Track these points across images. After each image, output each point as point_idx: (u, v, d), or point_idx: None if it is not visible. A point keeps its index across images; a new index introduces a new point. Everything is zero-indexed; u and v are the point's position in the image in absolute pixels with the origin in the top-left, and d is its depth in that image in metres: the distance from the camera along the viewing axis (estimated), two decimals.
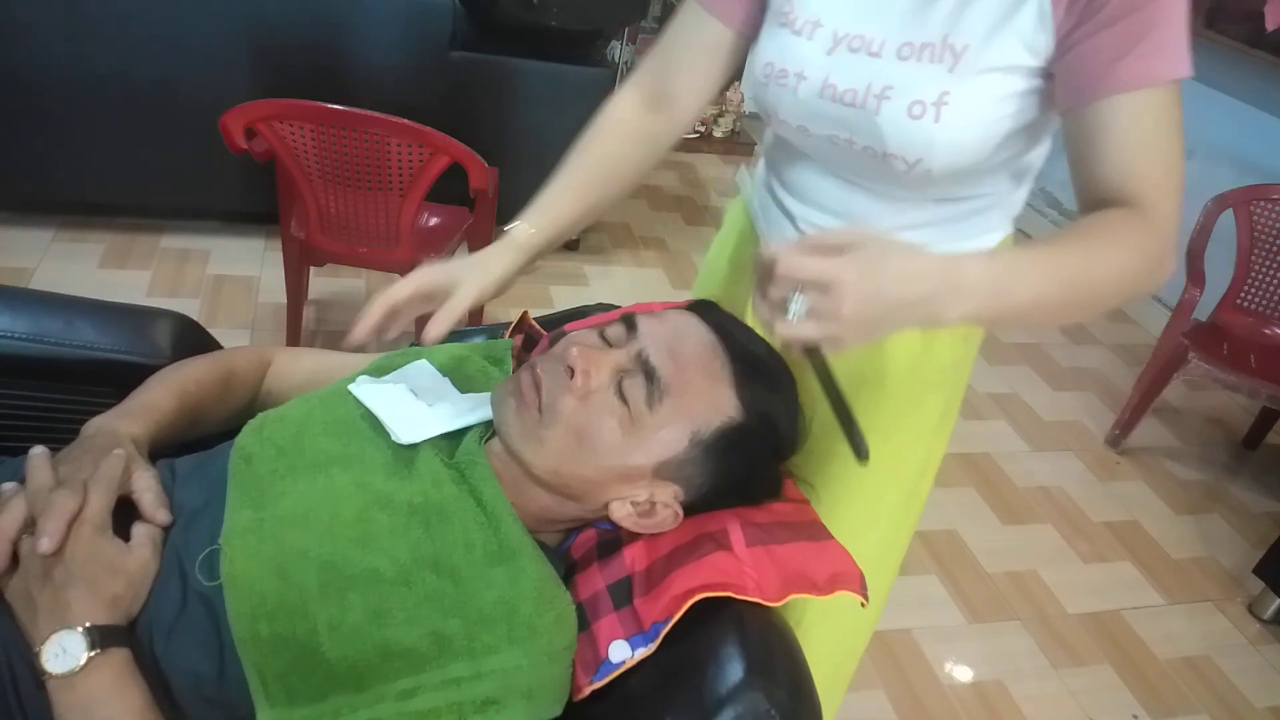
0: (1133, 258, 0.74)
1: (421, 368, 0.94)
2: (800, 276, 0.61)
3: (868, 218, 0.92)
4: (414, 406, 0.87)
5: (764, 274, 0.63)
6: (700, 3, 0.94)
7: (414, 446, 0.83)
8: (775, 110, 0.92)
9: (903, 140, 0.83)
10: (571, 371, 0.79)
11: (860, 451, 0.65)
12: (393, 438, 0.83)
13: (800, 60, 0.88)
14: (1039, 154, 0.91)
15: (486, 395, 0.89)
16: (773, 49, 0.91)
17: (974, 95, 0.80)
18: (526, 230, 0.92)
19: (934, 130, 0.81)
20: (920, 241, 0.69)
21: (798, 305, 0.58)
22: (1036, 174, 0.93)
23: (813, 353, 0.64)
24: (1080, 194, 0.80)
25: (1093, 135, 0.76)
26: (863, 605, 0.80)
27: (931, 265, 0.66)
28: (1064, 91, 0.78)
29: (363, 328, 0.83)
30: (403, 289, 0.85)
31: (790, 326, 0.62)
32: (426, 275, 0.86)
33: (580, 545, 0.89)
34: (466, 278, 0.87)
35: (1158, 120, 0.75)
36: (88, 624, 0.70)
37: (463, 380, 0.94)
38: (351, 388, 0.87)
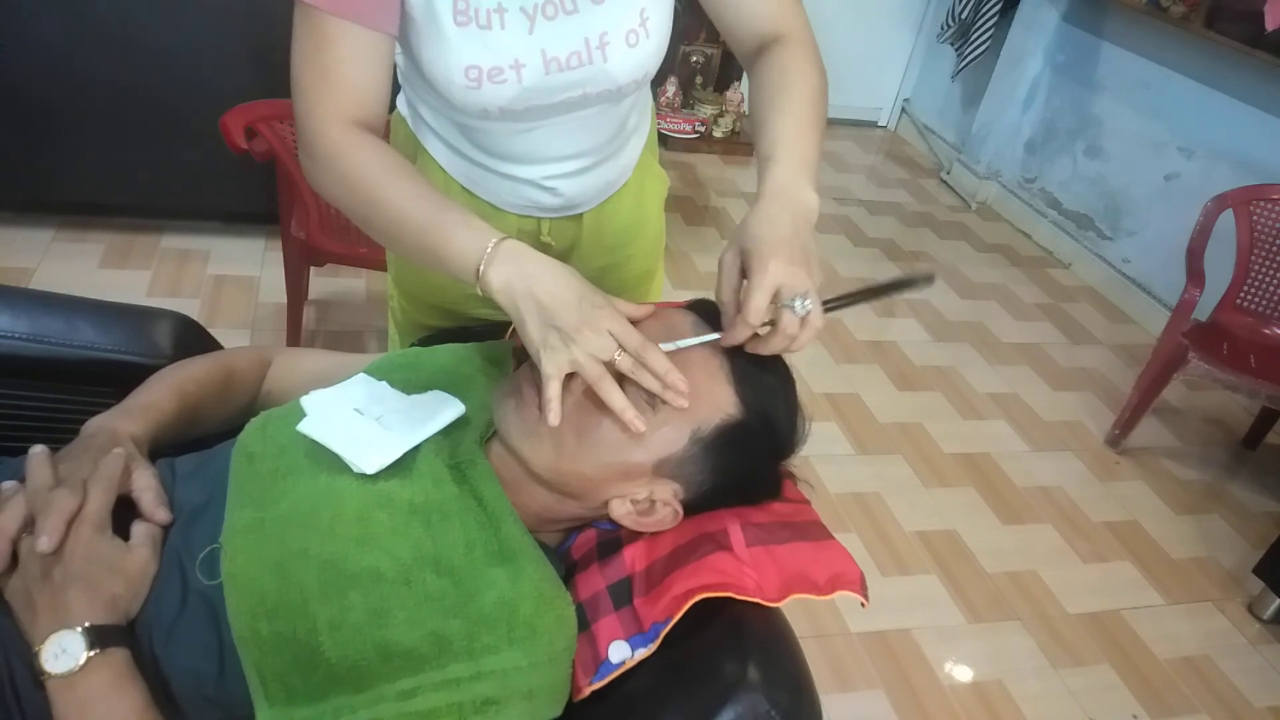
0: (818, 72, 0.93)
1: (359, 381, 0.91)
2: (801, 289, 0.77)
3: (598, 142, 1.05)
4: (366, 429, 0.83)
5: (764, 292, 0.76)
6: (356, 23, 0.86)
7: (414, 447, 0.83)
8: (490, 105, 0.91)
9: (631, 68, 0.93)
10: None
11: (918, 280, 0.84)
12: (354, 469, 0.79)
13: (508, 52, 0.88)
14: None
15: (435, 396, 0.88)
16: (469, 51, 0.87)
17: None
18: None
19: (649, 45, 0.93)
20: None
21: (802, 302, 0.77)
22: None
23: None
24: (734, 40, 0.98)
25: None
26: (863, 605, 0.80)
27: (786, 210, 0.80)
28: None
29: None
30: None
31: (799, 315, 0.77)
32: None
33: (580, 545, 0.89)
34: None
35: None
36: (87, 624, 0.70)
37: (462, 381, 0.93)
38: (300, 427, 0.82)
